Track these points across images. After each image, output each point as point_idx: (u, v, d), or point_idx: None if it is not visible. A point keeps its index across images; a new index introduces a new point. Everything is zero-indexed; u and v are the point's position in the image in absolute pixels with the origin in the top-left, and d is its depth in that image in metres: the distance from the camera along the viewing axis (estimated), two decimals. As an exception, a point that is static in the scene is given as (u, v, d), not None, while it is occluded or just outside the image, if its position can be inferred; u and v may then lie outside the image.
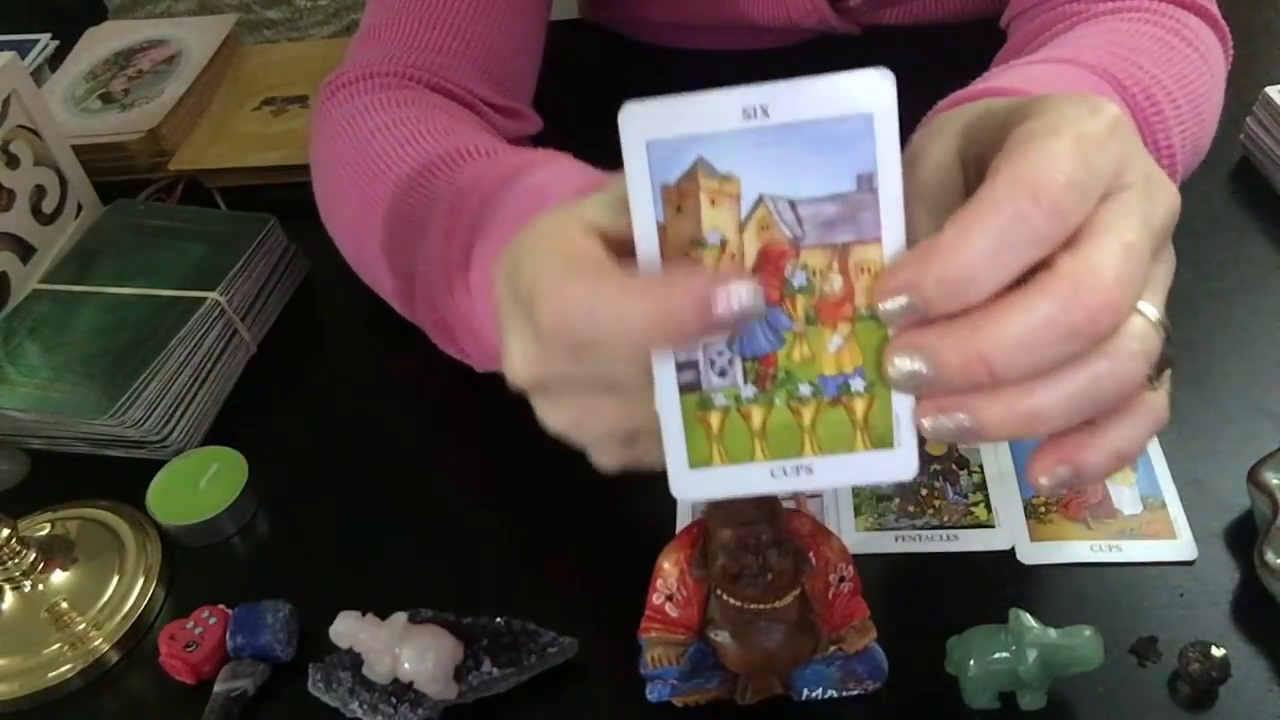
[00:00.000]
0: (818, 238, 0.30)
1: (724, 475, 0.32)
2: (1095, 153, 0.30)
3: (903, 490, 0.56)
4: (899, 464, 0.32)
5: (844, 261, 0.30)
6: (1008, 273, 0.29)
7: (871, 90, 0.29)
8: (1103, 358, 0.30)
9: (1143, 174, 0.31)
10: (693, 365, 0.31)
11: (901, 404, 0.31)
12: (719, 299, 0.29)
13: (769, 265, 0.31)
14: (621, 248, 0.31)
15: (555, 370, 0.32)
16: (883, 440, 0.32)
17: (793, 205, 0.30)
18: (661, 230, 0.30)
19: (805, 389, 0.31)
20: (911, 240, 0.30)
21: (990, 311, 0.29)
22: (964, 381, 0.29)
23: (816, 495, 0.56)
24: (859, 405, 0.31)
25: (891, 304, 0.30)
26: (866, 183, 0.30)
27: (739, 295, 0.29)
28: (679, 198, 0.30)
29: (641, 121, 0.29)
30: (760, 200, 0.30)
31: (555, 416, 0.34)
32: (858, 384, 0.31)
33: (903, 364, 0.30)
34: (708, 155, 0.30)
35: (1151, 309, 0.32)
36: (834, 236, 0.30)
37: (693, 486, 0.32)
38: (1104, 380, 0.30)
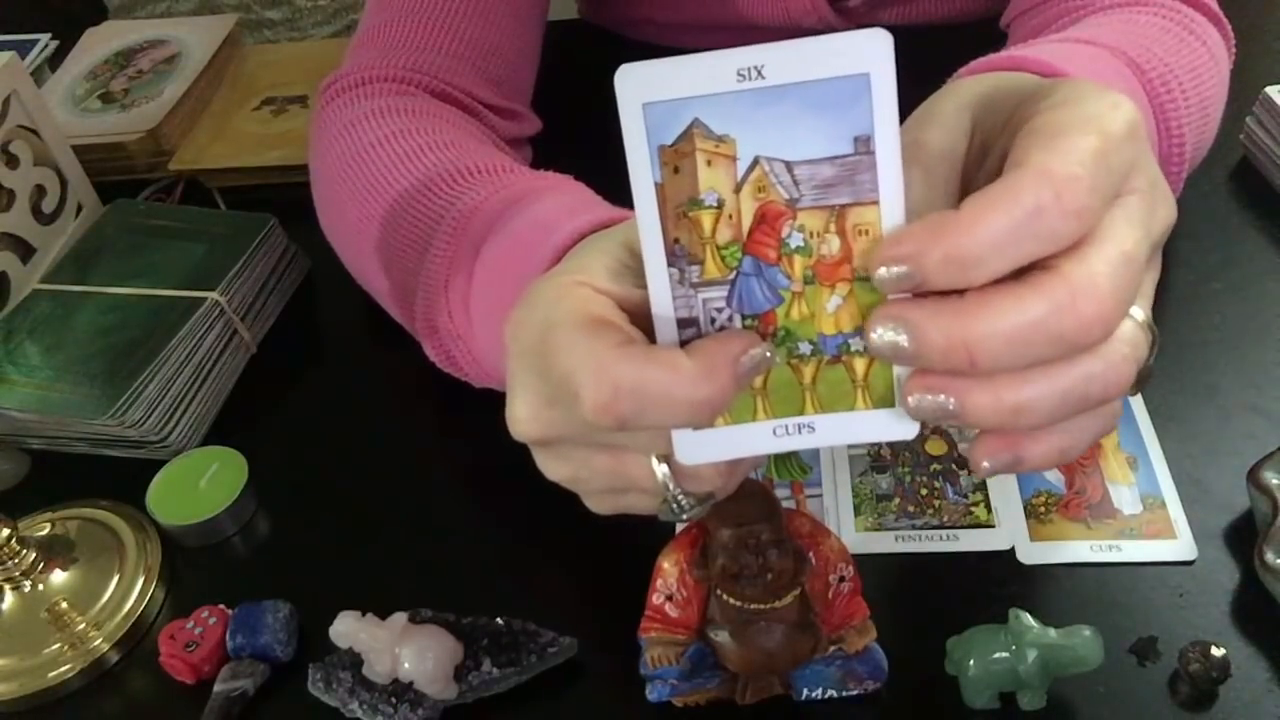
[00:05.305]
0: (815, 199, 0.30)
1: (728, 436, 0.32)
2: (1116, 154, 0.29)
3: (903, 489, 0.56)
4: (900, 424, 0.32)
5: (841, 223, 0.30)
6: (1012, 263, 0.28)
7: (868, 50, 0.29)
8: (1095, 360, 0.30)
9: (1150, 181, 0.31)
10: (693, 323, 0.31)
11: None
12: (745, 364, 0.30)
13: (766, 226, 0.30)
14: (635, 315, 0.32)
15: (558, 431, 0.33)
16: (883, 400, 0.32)
17: (789, 167, 0.30)
18: (659, 190, 0.30)
19: (805, 347, 0.31)
20: (907, 203, 0.30)
21: (983, 300, 0.28)
22: (942, 364, 0.29)
23: (817, 495, 0.56)
24: (859, 364, 0.31)
25: (888, 271, 0.29)
26: (864, 144, 0.29)
27: (760, 356, 0.31)
28: (676, 158, 0.30)
29: (637, 83, 0.29)
30: (756, 161, 0.30)
31: (554, 469, 0.36)
32: (857, 343, 0.31)
33: (885, 333, 0.30)
34: (704, 116, 0.29)
35: (1140, 313, 0.32)
36: (831, 198, 0.30)
37: (698, 450, 0.32)
38: (1094, 383, 0.30)
